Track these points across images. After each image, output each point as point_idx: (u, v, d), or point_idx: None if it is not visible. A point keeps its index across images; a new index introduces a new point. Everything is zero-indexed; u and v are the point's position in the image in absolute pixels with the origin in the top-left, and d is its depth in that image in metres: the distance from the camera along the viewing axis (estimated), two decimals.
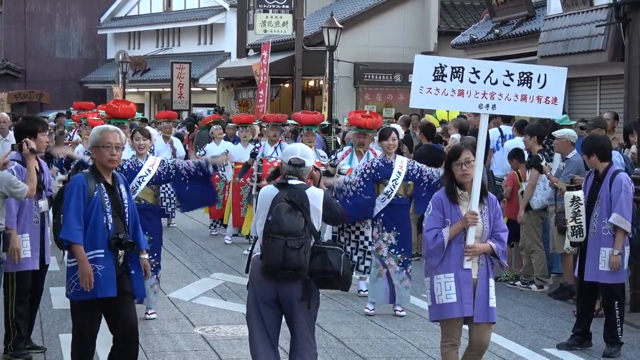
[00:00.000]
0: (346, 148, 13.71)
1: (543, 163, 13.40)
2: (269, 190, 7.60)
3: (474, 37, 26.69)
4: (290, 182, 7.55)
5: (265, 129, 18.96)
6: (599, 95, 20.74)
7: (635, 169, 12.51)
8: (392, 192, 11.78)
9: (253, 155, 16.94)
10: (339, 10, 33.69)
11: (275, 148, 16.80)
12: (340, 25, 28.33)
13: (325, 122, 21.75)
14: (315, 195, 7.55)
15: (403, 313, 11.91)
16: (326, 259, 7.40)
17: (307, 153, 7.72)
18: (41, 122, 9.56)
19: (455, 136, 15.25)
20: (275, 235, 7.30)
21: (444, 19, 33.19)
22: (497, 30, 25.55)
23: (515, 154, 14.48)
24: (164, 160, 11.39)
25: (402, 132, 15.70)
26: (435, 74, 8.01)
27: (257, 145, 17.27)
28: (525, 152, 14.35)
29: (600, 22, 19.22)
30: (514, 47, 24.57)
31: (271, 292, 7.50)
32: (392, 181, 11.77)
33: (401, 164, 11.86)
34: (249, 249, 16.30)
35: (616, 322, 10.19)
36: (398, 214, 11.92)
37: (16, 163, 9.15)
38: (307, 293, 7.44)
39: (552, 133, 13.42)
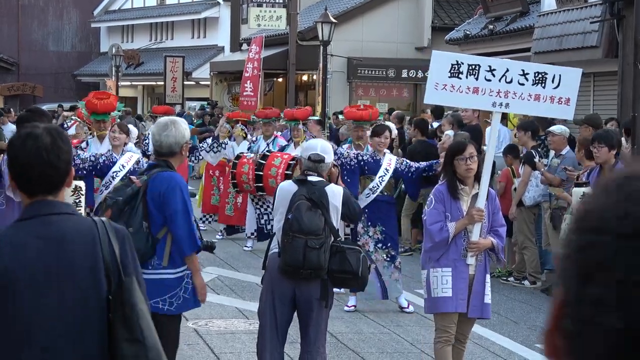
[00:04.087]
0: (345, 146, 13.63)
1: (536, 159, 13.42)
2: (287, 186, 7.50)
3: (467, 32, 26.68)
4: (309, 178, 7.42)
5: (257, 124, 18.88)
6: (592, 91, 20.75)
7: None
8: (377, 188, 11.67)
9: (250, 149, 16.89)
10: (333, 5, 33.66)
11: (268, 144, 16.76)
12: (334, 20, 28.30)
13: (316, 117, 21.64)
14: (335, 193, 7.44)
15: (410, 309, 11.82)
16: (345, 259, 7.33)
17: (327, 149, 7.59)
18: (45, 115, 9.47)
19: (449, 132, 15.26)
20: (295, 234, 7.21)
21: (438, 14, 33.18)
22: (491, 26, 25.54)
23: (510, 150, 14.49)
24: (140, 160, 11.17)
25: (394, 129, 15.71)
26: (452, 71, 8.00)
27: (253, 139, 17.24)
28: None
29: (594, 18, 19.23)
30: (507, 43, 24.56)
31: (288, 291, 7.41)
32: (379, 177, 11.65)
33: (389, 162, 11.72)
34: (248, 245, 16.42)
35: None
36: (382, 209, 11.82)
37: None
38: (326, 292, 7.38)
39: (549, 129, 13.44)
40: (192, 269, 7.14)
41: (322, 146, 7.59)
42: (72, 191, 8.94)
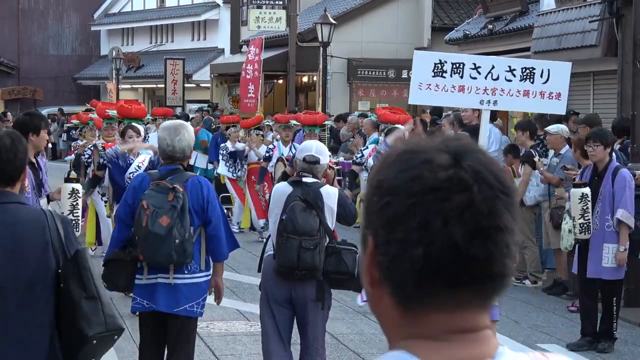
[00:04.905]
0: (371, 146, 13.66)
1: (536, 159, 13.41)
2: (282, 188, 7.49)
3: (467, 32, 26.68)
4: (304, 179, 7.41)
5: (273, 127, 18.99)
6: (592, 90, 20.75)
7: (629, 164, 12.52)
8: None
9: (267, 159, 16.95)
10: (333, 6, 33.67)
11: (290, 148, 16.81)
12: (333, 21, 28.31)
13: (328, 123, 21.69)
14: (330, 194, 7.42)
15: None
16: (341, 260, 7.30)
17: (322, 150, 7.60)
18: (44, 119, 9.61)
19: (450, 132, 15.26)
20: (289, 234, 7.20)
21: (438, 15, 33.18)
22: (490, 26, 25.54)
23: (511, 150, 14.48)
24: (152, 159, 11.37)
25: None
26: (435, 70, 7.94)
27: (271, 147, 17.26)
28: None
29: (593, 17, 19.23)
30: (507, 42, 24.55)
31: (284, 292, 7.40)
32: None
33: None
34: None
35: (613, 318, 10.18)
36: None
37: None
38: (321, 293, 7.37)
39: (546, 128, 13.43)
40: (221, 271, 7.33)
41: (317, 148, 7.59)
42: (69, 194, 8.89)
